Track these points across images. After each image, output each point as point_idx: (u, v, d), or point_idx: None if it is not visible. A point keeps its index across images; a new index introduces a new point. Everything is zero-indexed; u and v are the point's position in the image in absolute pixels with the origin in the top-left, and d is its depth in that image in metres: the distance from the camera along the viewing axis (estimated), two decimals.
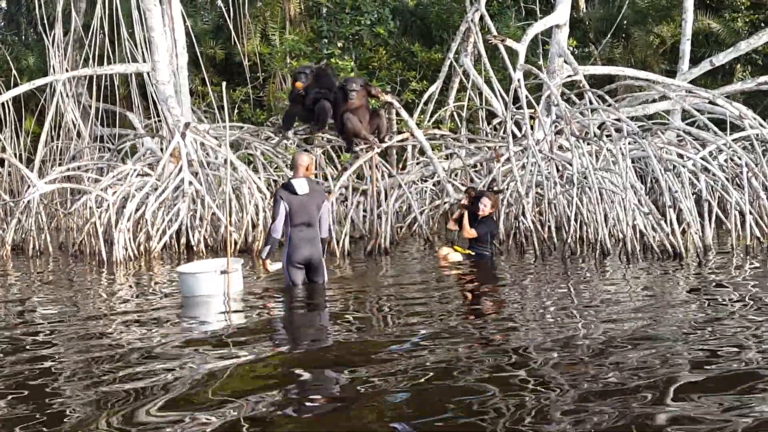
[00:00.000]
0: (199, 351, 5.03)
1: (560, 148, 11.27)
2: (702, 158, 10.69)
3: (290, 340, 5.60)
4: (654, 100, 13.43)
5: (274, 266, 7.19)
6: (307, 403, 3.96)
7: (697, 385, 4.00)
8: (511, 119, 11.36)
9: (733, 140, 11.23)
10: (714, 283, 7.16)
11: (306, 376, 4.48)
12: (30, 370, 4.59)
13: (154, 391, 4.11)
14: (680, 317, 5.73)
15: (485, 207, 9.03)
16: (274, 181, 11.86)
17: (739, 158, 10.94)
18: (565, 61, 12.46)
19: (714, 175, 10.38)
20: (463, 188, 10.88)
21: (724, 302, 6.24)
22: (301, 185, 6.94)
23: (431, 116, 14.44)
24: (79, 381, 4.35)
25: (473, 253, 9.07)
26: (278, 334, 5.79)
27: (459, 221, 9.37)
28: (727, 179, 10.30)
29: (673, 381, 4.08)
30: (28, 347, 5.17)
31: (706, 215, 9.60)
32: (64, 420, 3.71)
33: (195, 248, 10.31)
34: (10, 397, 4.08)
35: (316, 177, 11.93)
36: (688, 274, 7.75)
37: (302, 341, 5.55)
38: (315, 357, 4.98)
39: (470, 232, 9.01)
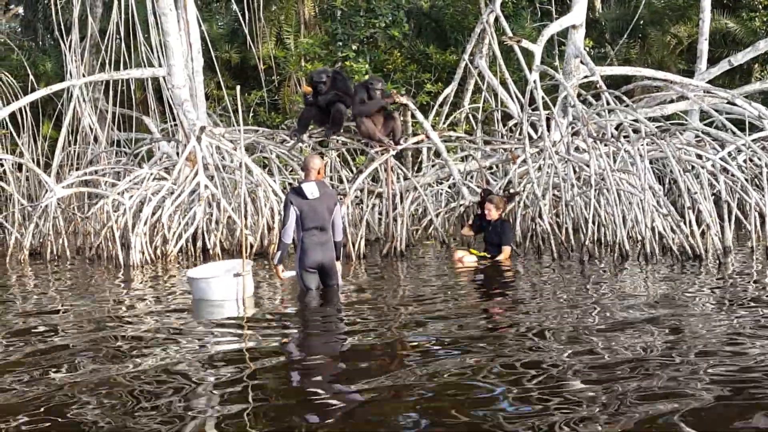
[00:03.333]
0: (211, 364, 5.02)
1: (577, 149, 11.18)
2: (721, 159, 10.57)
3: (301, 345, 5.57)
4: (672, 101, 13.31)
5: (288, 273, 7.14)
6: (321, 407, 3.93)
7: (715, 388, 3.94)
8: (527, 121, 11.29)
9: (753, 140, 11.10)
10: (734, 285, 7.07)
11: (318, 380, 4.45)
12: (44, 368, 4.59)
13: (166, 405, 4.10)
14: (700, 319, 5.65)
15: (489, 212, 9.01)
16: (290, 184, 11.86)
17: (759, 159, 10.81)
18: (582, 62, 12.38)
19: (733, 175, 10.26)
20: (479, 190, 10.83)
21: (744, 304, 6.15)
22: (311, 189, 6.85)
23: (446, 118, 14.40)
24: (91, 375, 4.36)
25: (489, 256, 9.03)
26: (290, 339, 5.77)
27: (476, 231, 9.37)
28: (746, 180, 10.18)
29: (693, 382, 4.02)
30: (41, 348, 5.17)
31: (725, 216, 9.49)
32: (74, 403, 3.71)
33: (211, 251, 10.32)
34: (25, 399, 4.09)
35: (331, 180, 11.94)
36: (708, 275, 7.66)
37: (313, 346, 5.53)
38: (326, 361, 4.95)
39: (506, 251, 8.95)
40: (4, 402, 4.06)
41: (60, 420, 3.77)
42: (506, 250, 8.98)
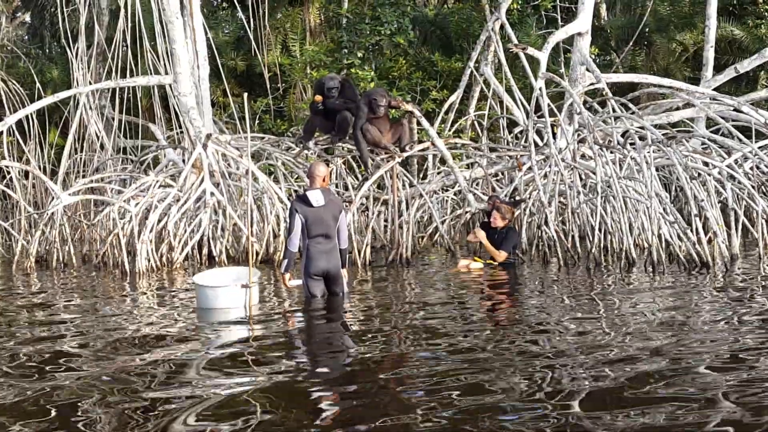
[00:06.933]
0: (218, 367, 5.01)
1: (583, 156, 11.17)
2: (728, 166, 10.55)
3: (308, 352, 5.56)
4: (678, 108, 13.29)
5: (294, 282, 7.13)
6: (324, 414, 3.92)
7: (720, 396, 3.92)
8: (533, 128, 11.29)
9: (759, 148, 11.08)
10: (741, 292, 7.03)
11: (323, 389, 4.44)
12: (49, 383, 4.59)
13: (171, 408, 4.09)
14: (706, 327, 5.63)
15: (495, 220, 9.04)
16: (295, 191, 11.87)
17: (766, 166, 10.78)
18: (587, 69, 12.37)
19: (740, 183, 10.23)
20: (485, 197, 10.82)
21: (750, 311, 6.12)
22: (316, 197, 6.84)
23: (452, 125, 14.41)
24: (99, 390, 4.35)
25: (495, 263, 9.01)
26: (296, 346, 5.76)
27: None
28: (753, 187, 10.15)
29: (698, 390, 4.00)
30: (49, 359, 5.18)
31: (732, 224, 9.46)
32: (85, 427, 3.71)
33: (217, 259, 10.33)
34: (31, 409, 4.09)
35: (336, 187, 11.95)
36: (715, 283, 7.63)
37: (320, 353, 5.52)
38: (332, 369, 4.94)
39: (500, 255, 8.93)
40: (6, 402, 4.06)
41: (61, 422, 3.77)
42: (501, 254, 8.95)
